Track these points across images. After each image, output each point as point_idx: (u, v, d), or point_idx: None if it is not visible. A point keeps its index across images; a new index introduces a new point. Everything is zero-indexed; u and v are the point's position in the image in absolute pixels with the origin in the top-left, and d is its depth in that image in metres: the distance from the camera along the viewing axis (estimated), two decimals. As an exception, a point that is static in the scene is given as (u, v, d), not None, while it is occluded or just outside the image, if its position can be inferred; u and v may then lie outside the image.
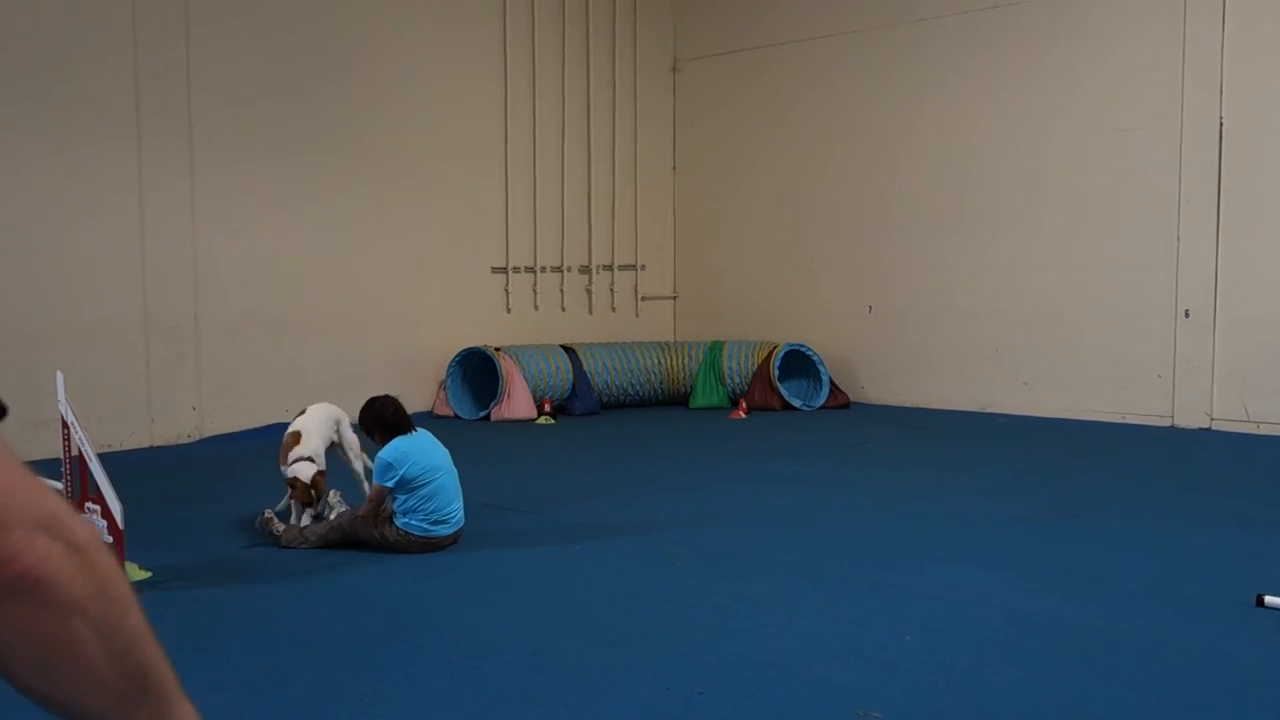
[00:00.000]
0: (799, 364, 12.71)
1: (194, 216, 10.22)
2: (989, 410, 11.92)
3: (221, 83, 10.47)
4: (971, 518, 6.99)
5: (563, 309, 13.61)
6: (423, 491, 6.18)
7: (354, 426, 6.83)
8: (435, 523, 6.21)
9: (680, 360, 12.99)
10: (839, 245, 13.15)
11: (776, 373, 12.31)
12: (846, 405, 12.54)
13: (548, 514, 7.24)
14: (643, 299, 14.42)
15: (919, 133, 12.40)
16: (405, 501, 6.19)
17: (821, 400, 12.39)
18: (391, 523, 6.23)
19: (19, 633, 1.03)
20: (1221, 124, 10.42)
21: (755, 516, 7.10)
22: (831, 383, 12.51)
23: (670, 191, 14.70)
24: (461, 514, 6.36)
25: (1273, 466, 8.79)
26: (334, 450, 6.82)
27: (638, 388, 12.78)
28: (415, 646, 4.67)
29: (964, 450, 9.72)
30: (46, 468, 6.78)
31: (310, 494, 6.39)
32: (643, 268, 14.38)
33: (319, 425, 6.67)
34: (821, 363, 12.52)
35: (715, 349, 12.91)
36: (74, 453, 5.61)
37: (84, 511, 5.59)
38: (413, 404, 8.85)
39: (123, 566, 5.36)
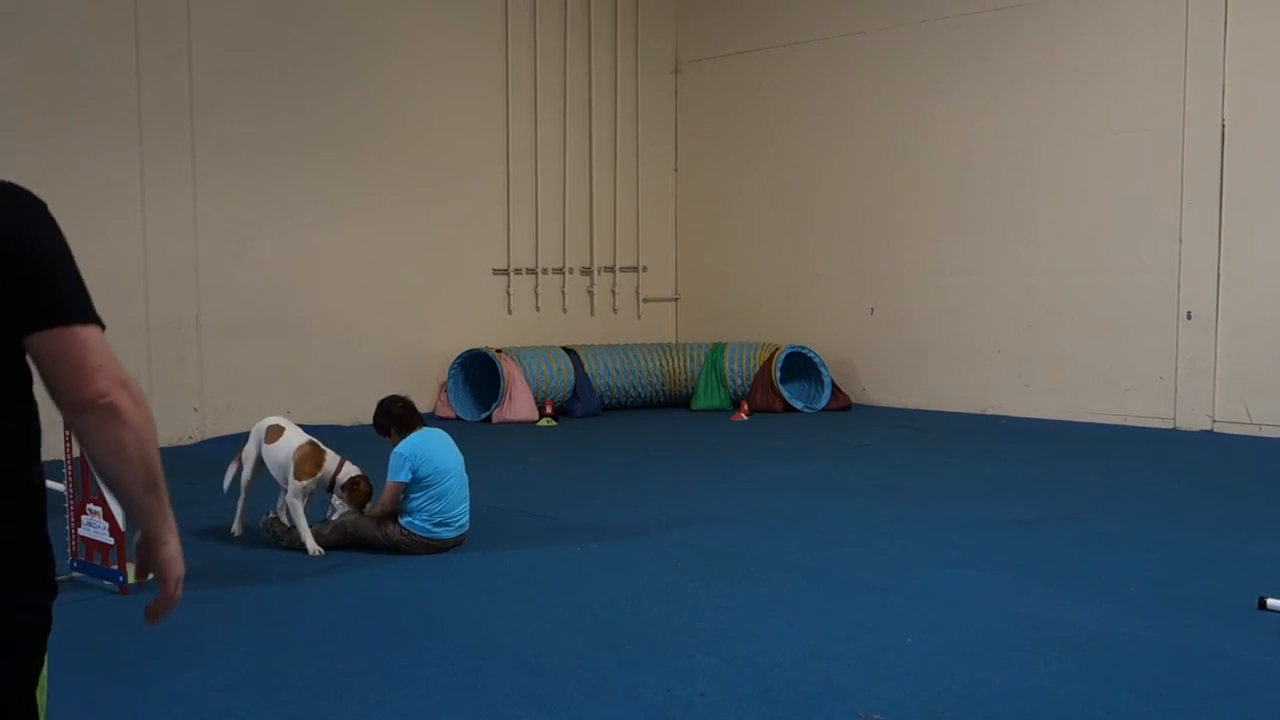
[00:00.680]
0: (800, 366, 12.70)
1: (196, 218, 10.23)
2: (990, 412, 11.92)
3: (224, 85, 10.48)
4: (973, 520, 6.99)
5: (564, 310, 13.61)
6: (431, 491, 6.18)
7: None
8: (439, 524, 6.20)
9: (682, 362, 12.99)
10: (841, 247, 13.15)
11: (778, 374, 12.31)
12: (848, 407, 12.54)
13: (549, 516, 7.24)
14: (644, 300, 14.42)
15: (921, 134, 12.40)
16: (412, 500, 6.19)
17: (823, 402, 12.39)
18: (395, 522, 6.23)
19: (102, 438, 2.01)
20: (1223, 126, 10.41)
21: (756, 518, 7.10)
22: (833, 384, 12.50)
23: (672, 193, 14.70)
24: (467, 519, 6.36)
25: (1275, 469, 8.79)
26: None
27: (639, 389, 12.77)
28: (417, 648, 4.67)
29: (965, 452, 9.72)
30: (48, 469, 6.77)
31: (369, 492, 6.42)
32: (644, 269, 14.39)
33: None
34: (823, 364, 12.52)
35: (717, 351, 12.91)
36: (76, 454, 5.61)
37: (86, 513, 5.60)
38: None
39: (124, 568, 5.38)
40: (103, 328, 2.05)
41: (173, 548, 2.16)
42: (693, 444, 10.42)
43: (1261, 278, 10.28)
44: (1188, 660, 4.47)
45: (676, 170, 14.70)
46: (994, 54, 11.84)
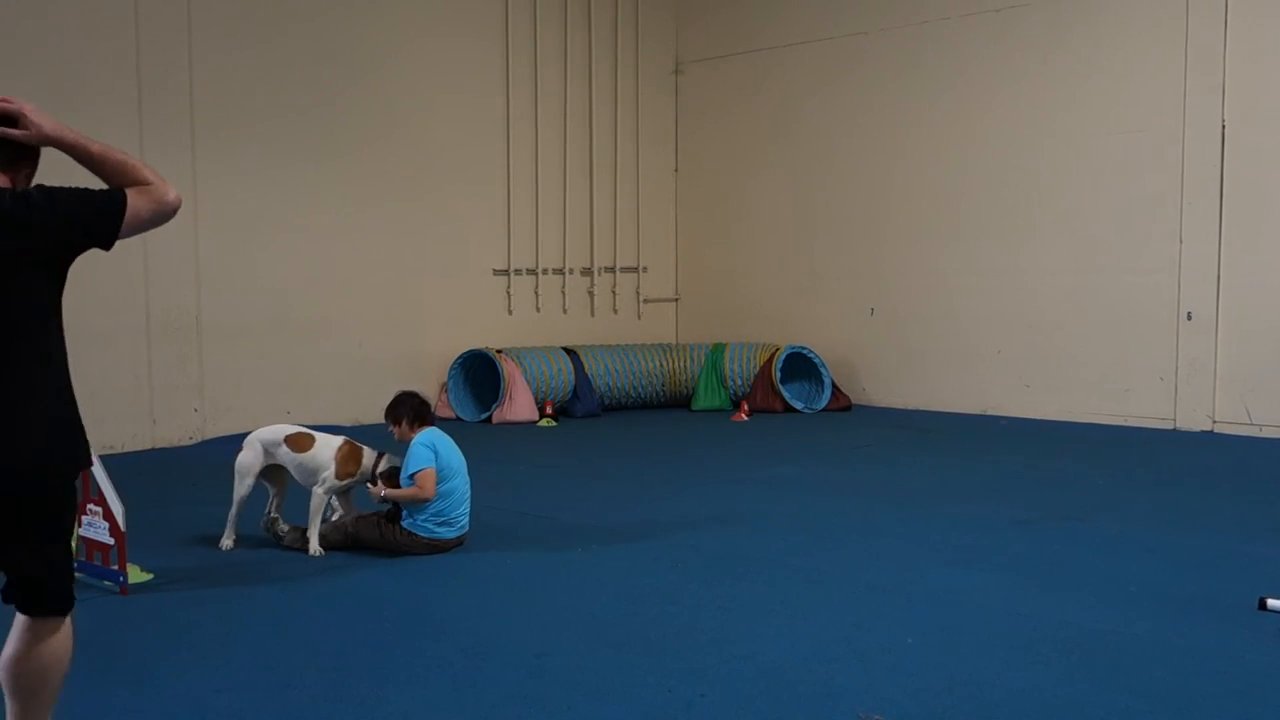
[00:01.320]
0: (801, 366, 12.71)
1: (196, 219, 10.22)
2: (990, 413, 11.92)
3: (224, 85, 10.49)
4: (973, 520, 6.99)
5: (564, 311, 13.61)
6: (438, 489, 6.19)
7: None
8: (442, 524, 6.21)
9: (682, 362, 12.99)
10: (841, 247, 13.15)
11: (778, 375, 12.31)
12: (848, 407, 12.54)
13: (549, 516, 7.24)
14: (644, 301, 14.42)
15: (921, 135, 12.40)
16: None
17: (823, 402, 12.39)
18: (397, 521, 6.23)
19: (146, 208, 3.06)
20: (1224, 126, 10.42)
21: (757, 519, 7.10)
22: (833, 385, 12.50)
23: (672, 193, 14.70)
24: (468, 520, 6.37)
25: (1275, 469, 8.79)
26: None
27: (639, 390, 12.78)
28: (417, 648, 4.67)
29: (965, 453, 9.72)
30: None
31: None
32: (644, 270, 14.39)
33: None
34: (823, 365, 12.52)
35: (717, 351, 12.91)
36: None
37: (85, 513, 5.60)
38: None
39: (124, 568, 5.38)
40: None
41: (70, 130, 3.09)
42: (693, 444, 10.42)
43: (1262, 278, 10.28)
44: (1187, 660, 4.47)
45: (677, 171, 14.70)
46: (994, 54, 11.85)
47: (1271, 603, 5.03)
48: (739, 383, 12.62)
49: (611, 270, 14.06)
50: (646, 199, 14.32)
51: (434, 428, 6.46)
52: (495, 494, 7.56)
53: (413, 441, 6.31)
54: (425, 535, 6.18)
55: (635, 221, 14.22)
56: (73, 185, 3.04)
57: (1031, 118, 11.62)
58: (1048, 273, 11.57)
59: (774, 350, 12.57)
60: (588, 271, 13.84)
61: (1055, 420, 11.39)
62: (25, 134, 3.02)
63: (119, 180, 3.06)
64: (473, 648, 4.67)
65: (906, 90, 12.49)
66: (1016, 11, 11.66)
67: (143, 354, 9.91)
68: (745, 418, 12.00)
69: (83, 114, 9.54)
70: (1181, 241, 10.70)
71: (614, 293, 14.09)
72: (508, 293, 13.08)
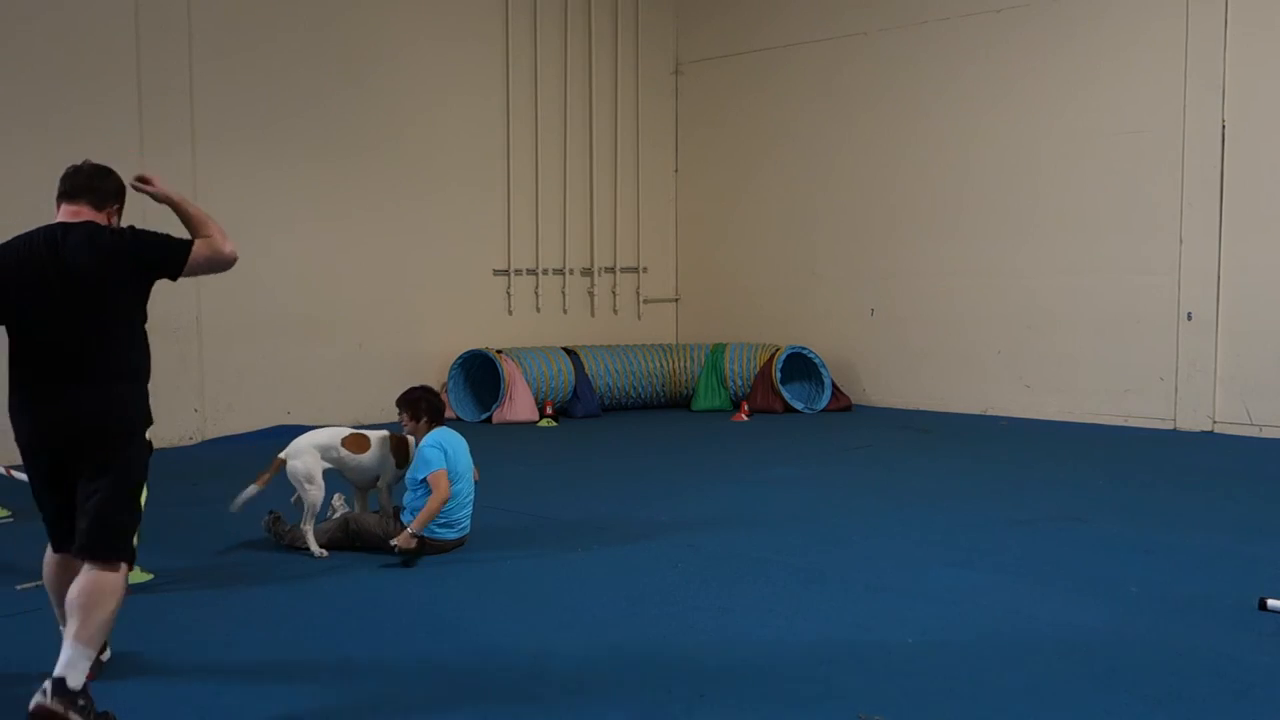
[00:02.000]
0: (801, 366, 12.71)
1: (196, 219, 10.22)
2: (990, 413, 11.92)
3: (225, 86, 10.49)
4: (973, 520, 6.99)
5: (565, 311, 13.61)
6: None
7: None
8: (443, 525, 6.20)
9: (682, 363, 12.99)
10: (841, 247, 13.15)
11: (778, 375, 12.31)
12: (848, 408, 12.54)
13: (549, 516, 7.24)
14: (644, 301, 14.42)
15: (921, 135, 12.40)
16: (419, 498, 6.18)
17: (823, 403, 12.39)
18: (398, 519, 6.23)
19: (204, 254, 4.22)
20: (1224, 127, 10.42)
21: (757, 519, 7.10)
22: (833, 385, 12.50)
23: (672, 194, 14.70)
24: (469, 523, 6.36)
25: (1275, 470, 8.78)
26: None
27: (639, 390, 12.78)
28: (417, 648, 4.67)
29: (965, 453, 9.72)
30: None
31: None
32: (644, 270, 14.39)
33: None
34: (823, 365, 12.52)
35: (717, 351, 12.91)
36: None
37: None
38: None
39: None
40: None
41: (177, 193, 4.35)
42: (693, 445, 10.42)
43: (1262, 278, 10.28)
44: (1187, 661, 4.47)
45: (677, 171, 14.71)
46: (995, 55, 11.85)
47: (1271, 603, 5.03)
48: (739, 383, 12.62)
49: (611, 270, 14.06)
50: (646, 199, 14.32)
51: (445, 427, 6.45)
52: (495, 494, 7.55)
53: (423, 442, 6.28)
54: (427, 536, 6.16)
55: (635, 222, 14.22)
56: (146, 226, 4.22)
57: (1032, 118, 11.62)
58: (1048, 273, 11.57)
59: (774, 350, 12.57)
60: (588, 272, 13.84)
61: (1055, 420, 11.39)
62: (156, 191, 4.30)
63: (192, 231, 4.22)
64: (471, 647, 4.67)
65: (906, 90, 12.49)
66: (1017, 12, 11.66)
67: (143, 354, 9.90)
68: (745, 418, 12.00)
69: (83, 114, 9.59)
70: (1181, 242, 10.70)
71: (614, 293, 14.09)
72: (508, 293, 13.08)
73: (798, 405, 12.29)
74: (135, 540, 4.13)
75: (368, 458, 6.44)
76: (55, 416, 4.00)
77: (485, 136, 12.78)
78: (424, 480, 6.14)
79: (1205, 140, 10.51)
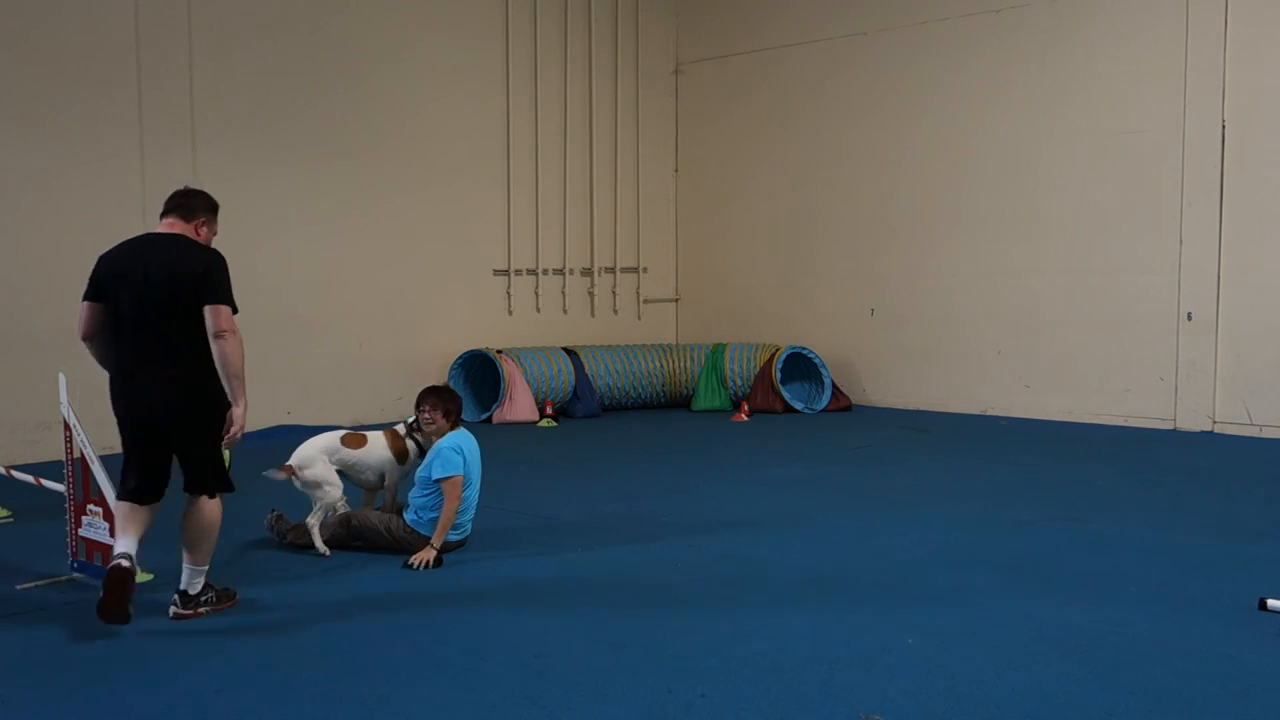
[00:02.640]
0: (801, 366, 12.71)
1: (196, 219, 10.22)
2: (991, 413, 11.93)
3: (224, 86, 10.49)
4: (973, 520, 6.99)
5: (565, 311, 13.62)
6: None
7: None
8: (448, 526, 6.19)
9: (682, 363, 13.00)
10: (841, 248, 13.16)
11: (778, 375, 12.32)
12: (848, 408, 12.54)
13: (549, 516, 7.24)
14: (644, 301, 14.43)
15: (921, 135, 12.41)
16: (428, 498, 6.17)
17: (823, 403, 12.39)
18: (400, 517, 6.23)
19: (219, 349, 4.90)
20: (1224, 127, 10.42)
21: (757, 519, 7.10)
22: (833, 385, 12.51)
23: (672, 194, 14.71)
24: (470, 527, 6.36)
25: (1275, 469, 8.79)
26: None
27: (639, 390, 12.78)
28: (417, 648, 4.67)
29: (966, 453, 9.72)
30: (49, 470, 6.79)
31: None
32: (644, 270, 14.40)
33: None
34: (823, 365, 12.53)
35: (717, 351, 12.91)
36: (76, 455, 5.61)
37: (86, 514, 5.60)
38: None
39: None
40: (235, 310, 5.00)
41: (240, 410, 4.98)
42: (693, 445, 10.42)
43: (1262, 278, 10.28)
44: (1187, 661, 4.47)
45: (677, 171, 14.71)
46: (994, 55, 11.85)
47: (1271, 603, 5.03)
48: (739, 383, 12.63)
49: (611, 271, 14.06)
50: (646, 199, 14.32)
51: (463, 429, 6.41)
52: (495, 494, 7.55)
53: (442, 442, 6.22)
54: (427, 535, 6.15)
55: (635, 222, 14.22)
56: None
57: (1031, 118, 11.62)
58: (1048, 273, 11.57)
59: (774, 350, 12.57)
60: (588, 272, 13.84)
61: (1055, 420, 11.40)
62: (235, 430, 5.05)
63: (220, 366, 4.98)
64: (472, 647, 4.67)
65: (906, 90, 12.50)
66: (1017, 12, 11.67)
67: (143, 354, 9.89)
68: (745, 418, 12.00)
69: (83, 114, 9.60)
70: (1181, 242, 10.70)
71: (614, 293, 14.10)
72: (508, 293, 13.09)
73: (798, 405, 12.30)
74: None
75: (369, 454, 6.45)
76: (145, 395, 5.00)
77: (485, 136, 12.78)
78: (436, 481, 6.12)
79: (1205, 140, 10.51)
